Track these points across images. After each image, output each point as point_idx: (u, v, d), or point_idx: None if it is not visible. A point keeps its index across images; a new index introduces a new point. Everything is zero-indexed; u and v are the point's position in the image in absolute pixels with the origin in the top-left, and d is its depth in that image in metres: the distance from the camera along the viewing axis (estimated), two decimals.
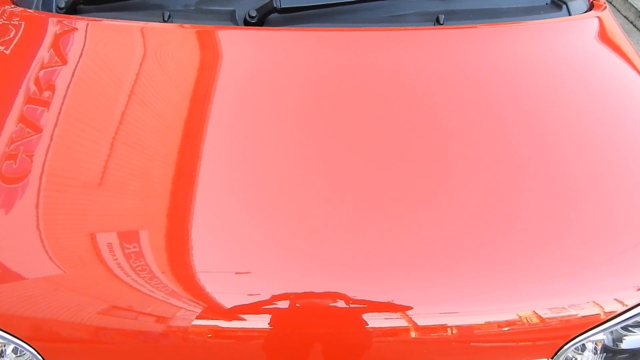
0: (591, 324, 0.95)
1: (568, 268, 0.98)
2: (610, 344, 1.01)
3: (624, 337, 1.01)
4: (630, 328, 1.02)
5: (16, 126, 1.13)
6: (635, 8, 4.42)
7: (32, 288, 0.93)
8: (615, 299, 0.96)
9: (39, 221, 0.99)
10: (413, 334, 0.92)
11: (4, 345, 0.95)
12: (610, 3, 4.79)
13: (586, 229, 1.02)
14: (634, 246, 1.00)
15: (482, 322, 0.94)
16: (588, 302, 0.95)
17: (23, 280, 0.94)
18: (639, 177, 1.11)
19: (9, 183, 1.04)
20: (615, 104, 1.25)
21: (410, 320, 0.92)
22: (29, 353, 0.93)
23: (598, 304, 0.96)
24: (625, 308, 0.96)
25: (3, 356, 0.96)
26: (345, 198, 1.02)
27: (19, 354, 0.96)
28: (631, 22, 4.45)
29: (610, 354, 1.02)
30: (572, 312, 0.95)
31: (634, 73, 1.34)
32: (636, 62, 1.34)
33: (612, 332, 1.01)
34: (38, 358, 0.93)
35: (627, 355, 1.03)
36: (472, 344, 0.95)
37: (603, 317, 0.95)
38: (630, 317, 0.96)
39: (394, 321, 0.92)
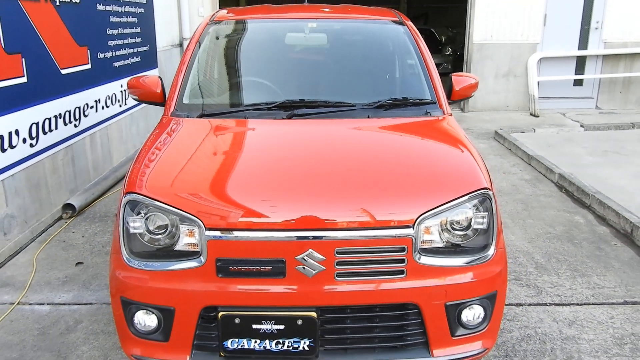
0: (422, 209, 2.33)
1: (409, 188, 2.41)
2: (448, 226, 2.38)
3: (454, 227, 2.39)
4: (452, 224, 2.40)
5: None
6: (545, 165, 6.17)
7: (201, 189, 2.36)
8: (432, 198, 2.36)
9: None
10: (348, 219, 2.31)
11: (177, 223, 2.32)
12: (529, 164, 6.57)
13: (401, 177, 2.48)
14: (424, 182, 2.44)
15: (370, 213, 2.33)
16: (422, 195, 2.37)
17: (201, 187, 2.37)
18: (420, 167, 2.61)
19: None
20: (437, 150, 2.81)
21: (344, 211, 2.32)
22: (196, 222, 2.30)
23: (429, 197, 2.36)
24: (441, 203, 2.35)
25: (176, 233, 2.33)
26: (315, 172, 2.50)
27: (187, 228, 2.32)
28: (543, 175, 6.15)
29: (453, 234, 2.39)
30: (416, 201, 2.35)
31: (454, 141, 2.88)
32: (459, 138, 2.89)
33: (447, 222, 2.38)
34: (200, 224, 2.29)
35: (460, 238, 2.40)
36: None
37: (428, 208, 2.34)
38: (445, 209, 2.36)
39: (342, 214, 2.32)
